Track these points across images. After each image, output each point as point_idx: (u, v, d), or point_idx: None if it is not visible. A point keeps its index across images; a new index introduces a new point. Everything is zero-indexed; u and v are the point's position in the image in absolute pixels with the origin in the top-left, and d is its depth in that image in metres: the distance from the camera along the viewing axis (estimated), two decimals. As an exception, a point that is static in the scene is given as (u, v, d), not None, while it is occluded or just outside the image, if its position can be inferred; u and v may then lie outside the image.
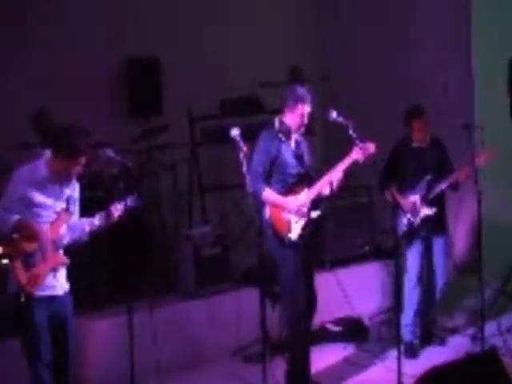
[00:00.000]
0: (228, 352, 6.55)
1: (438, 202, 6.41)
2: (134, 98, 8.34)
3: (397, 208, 6.33)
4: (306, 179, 5.76)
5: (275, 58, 8.73)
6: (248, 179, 5.27)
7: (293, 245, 5.64)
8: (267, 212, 5.64)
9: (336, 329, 6.98)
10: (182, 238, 7.07)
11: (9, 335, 5.55)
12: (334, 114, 5.63)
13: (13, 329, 4.92)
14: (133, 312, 4.86)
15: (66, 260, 4.75)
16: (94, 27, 7.99)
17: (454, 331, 6.90)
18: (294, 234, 5.64)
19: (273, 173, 5.67)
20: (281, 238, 5.63)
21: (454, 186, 6.42)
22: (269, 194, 5.61)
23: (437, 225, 6.45)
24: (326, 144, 9.01)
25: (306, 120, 5.73)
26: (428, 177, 6.30)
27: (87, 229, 4.83)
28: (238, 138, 5.19)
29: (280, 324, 6.33)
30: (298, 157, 5.77)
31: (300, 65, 8.23)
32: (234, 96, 8.02)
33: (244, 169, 5.14)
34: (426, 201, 6.34)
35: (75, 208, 4.86)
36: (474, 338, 6.55)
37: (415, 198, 6.35)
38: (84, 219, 4.87)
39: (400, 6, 8.84)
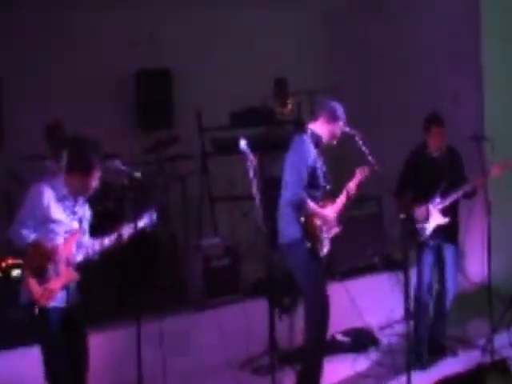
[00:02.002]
0: (237, 364, 6.53)
1: (451, 211, 6.39)
2: (144, 109, 8.39)
3: (411, 215, 6.30)
4: (328, 193, 5.80)
5: (286, 69, 8.74)
6: (288, 189, 5.44)
7: (322, 258, 5.71)
8: (304, 224, 5.55)
9: (346, 340, 6.96)
10: (191, 249, 7.08)
11: (22, 344, 5.62)
12: (341, 126, 5.65)
13: (27, 338, 5.04)
14: (141, 323, 4.86)
15: (77, 277, 4.82)
16: (105, 39, 8.05)
17: (464, 342, 6.85)
18: (325, 248, 5.71)
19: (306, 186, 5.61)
20: (317, 251, 5.63)
21: (470, 195, 6.40)
22: (313, 205, 5.61)
23: (448, 233, 6.42)
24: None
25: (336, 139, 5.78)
26: (442, 186, 6.29)
27: (97, 248, 4.89)
28: (246, 149, 5.19)
29: (289, 335, 6.32)
30: (323, 169, 5.78)
31: (285, 76, 8.21)
32: (245, 107, 8.03)
33: (253, 181, 5.14)
34: (440, 210, 6.33)
35: (86, 227, 4.93)
36: (484, 350, 6.51)
37: (429, 206, 6.33)
38: (92, 240, 4.92)
39: (411, 17, 8.84)
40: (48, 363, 4.69)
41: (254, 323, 6.36)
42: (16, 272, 6.01)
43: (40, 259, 4.61)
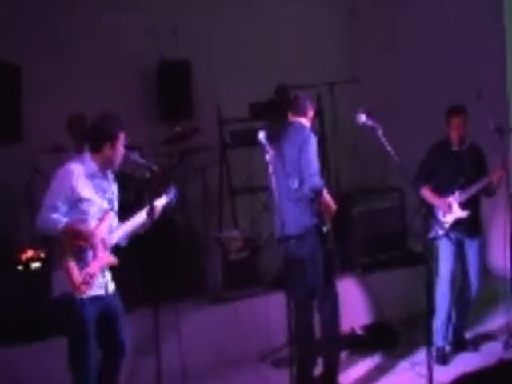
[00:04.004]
0: (256, 356, 6.54)
1: (473, 204, 6.34)
2: (164, 101, 8.38)
3: (431, 208, 6.28)
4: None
5: (306, 61, 8.70)
6: (311, 177, 5.58)
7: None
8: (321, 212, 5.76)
9: (366, 334, 6.92)
10: (210, 241, 7.06)
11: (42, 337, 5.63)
12: (363, 118, 5.58)
13: (56, 330, 4.97)
14: (160, 315, 4.85)
15: (114, 260, 4.75)
16: (126, 30, 8.04)
17: (486, 337, 6.79)
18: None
19: None
20: (325, 236, 5.82)
21: (489, 192, 6.34)
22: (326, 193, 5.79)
23: (470, 227, 6.36)
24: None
25: None
26: (462, 180, 6.26)
27: (129, 229, 4.83)
28: (264, 141, 5.16)
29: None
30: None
31: (286, 82, 8.17)
32: (264, 99, 7.98)
33: (270, 171, 5.11)
34: (460, 203, 6.28)
35: (116, 208, 4.86)
36: (506, 344, 6.45)
37: (451, 199, 6.30)
38: (121, 223, 4.87)
39: (434, 12, 8.76)
40: (75, 355, 4.59)
41: (273, 316, 6.34)
42: (35, 265, 6.03)
43: (78, 242, 4.51)
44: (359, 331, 6.95)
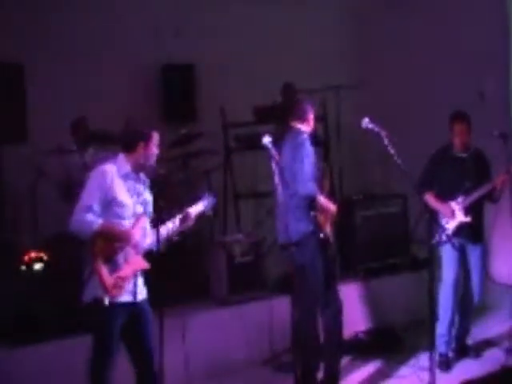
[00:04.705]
0: (260, 360, 6.53)
1: (476, 210, 6.33)
2: (168, 104, 8.39)
3: (434, 213, 6.28)
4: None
5: (309, 66, 8.71)
6: (301, 182, 5.53)
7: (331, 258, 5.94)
8: (315, 217, 5.72)
9: (369, 339, 6.91)
10: (215, 245, 7.06)
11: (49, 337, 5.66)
12: (367, 122, 5.60)
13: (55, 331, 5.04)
14: (164, 318, 4.84)
15: (147, 265, 4.67)
16: (129, 34, 8.05)
17: (488, 344, 6.78)
18: (331, 238, 5.90)
19: None
20: (328, 241, 5.83)
21: (493, 197, 6.33)
22: (322, 198, 5.75)
23: (472, 233, 6.36)
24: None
25: None
26: (468, 184, 6.25)
27: (164, 234, 4.73)
28: (269, 146, 5.16)
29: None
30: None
31: (292, 81, 8.16)
32: (268, 103, 7.99)
33: (276, 177, 5.11)
34: (463, 208, 6.27)
35: (150, 211, 4.76)
36: (508, 351, 6.42)
37: (454, 204, 6.29)
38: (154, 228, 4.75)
39: (437, 15, 8.77)
40: (95, 365, 4.53)
41: (277, 320, 6.34)
42: (38, 265, 6.03)
43: (111, 245, 4.45)
44: (362, 336, 6.94)
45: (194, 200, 4.93)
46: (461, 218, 6.29)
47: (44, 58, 7.44)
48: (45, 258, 6.11)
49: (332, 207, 5.86)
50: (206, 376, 6.11)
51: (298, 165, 5.64)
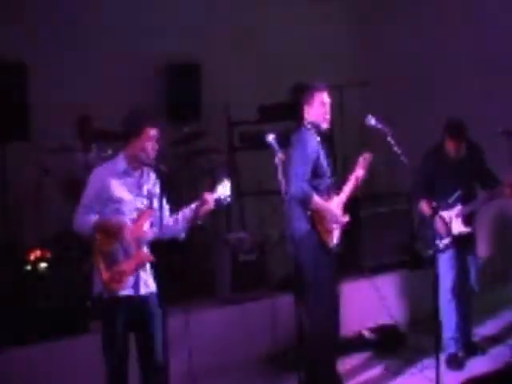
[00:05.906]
0: (263, 358, 6.52)
1: (470, 218, 6.22)
2: (173, 102, 8.39)
3: (430, 220, 5.94)
4: (332, 185, 5.77)
5: (315, 64, 8.70)
6: (292, 184, 5.39)
7: (332, 254, 5.66)
8: (310, 219, 5.57)
9: (373, 337, 6.90)
10: (219, 243, 7.06)
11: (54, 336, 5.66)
12: (372, 121, 5.59)
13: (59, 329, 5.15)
14: (168, 315, 4.85)
15: (150, 257, 4.68)
16: (134, 33, 8.05)
17: (492, 341, 6.75)
18: (335, 239, 5.68)
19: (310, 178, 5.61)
20: (326, 244, 5.62)
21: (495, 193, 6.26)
22: (318, 199, 5.57)
23: (468, 245, 6.27)
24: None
25: (328, 108, 5.70)
26: (459, 192, 6.10)
27: (181, 223, 4.76)
28: (274, 144, 5.14)
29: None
30: (326, 160, 5.75)
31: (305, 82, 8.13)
32: (273, 101, 7.98)
33: (280, 175, 5.10)
34: (462, 218, 6.15)
35: (162, 203, 4.74)
36: (513, 348, 6.42)
37: (449, 214, 6.15)
38: (173, 215, 4.80)
39: (438, 16, 8.77)
40: (104, 356, 4.61)
41: (280, 318, 6.34)
42: (43, 264, 6.03)
43: (108, 238, 4.51)
44: (367, 334, 6.93)
45: (212, 185, 4.92)
46: (460, 228, 6.16)
47: (47, 58, 7.45)
48: (49, 256, 6.12)
49: (332, 207, 5.67)
50: (210, 373, 6.11)
51: (291, 165, 5.55)
